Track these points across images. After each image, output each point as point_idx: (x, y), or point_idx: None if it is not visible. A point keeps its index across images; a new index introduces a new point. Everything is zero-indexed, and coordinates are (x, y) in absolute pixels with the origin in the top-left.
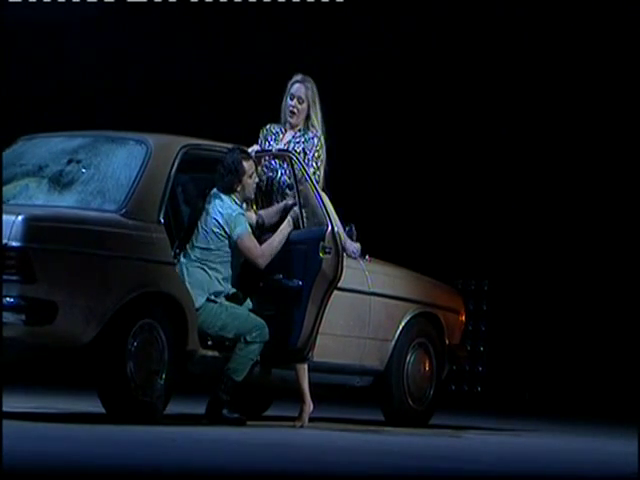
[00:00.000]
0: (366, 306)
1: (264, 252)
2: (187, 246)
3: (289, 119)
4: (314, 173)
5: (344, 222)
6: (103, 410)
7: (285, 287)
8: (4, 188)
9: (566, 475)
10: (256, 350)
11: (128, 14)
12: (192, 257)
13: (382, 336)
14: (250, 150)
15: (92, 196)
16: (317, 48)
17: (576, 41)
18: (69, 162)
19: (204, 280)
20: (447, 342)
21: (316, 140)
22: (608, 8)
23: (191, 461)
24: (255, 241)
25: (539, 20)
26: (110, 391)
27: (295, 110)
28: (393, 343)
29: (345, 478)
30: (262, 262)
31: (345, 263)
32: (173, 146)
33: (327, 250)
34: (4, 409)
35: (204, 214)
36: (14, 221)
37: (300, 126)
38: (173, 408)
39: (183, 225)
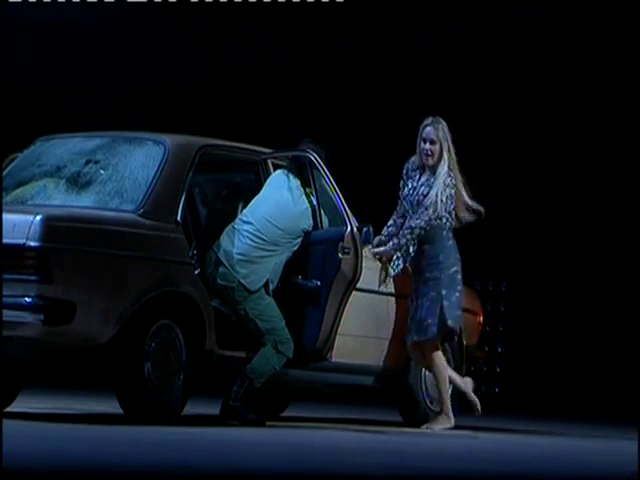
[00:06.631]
0: (384, 307)
1: None
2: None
3: (425, 162)
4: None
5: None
6: (121, 410)
7: (304, 287)
8: (22, 189)
9: (566, 475)
10: (281, 363)
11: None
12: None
13: (400, 336)
14: None
15: (110, 196)
16: (317, 48)
17: (577, 43)
18: (87, 163)
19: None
20: (465, 343)
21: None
22: (609, 9)
23: (208, 462)
24: None
25: (543, 22)
26: (128, 391)
27: (429, 152)
28: None
29: (362, 478)
30: None
31: (364, 264)
32: (191, 146)
33: (346, 250)
34: (22, 410)
35: None
36: (32, 221)
37: (435, 167)
38: (191, 409)
39: (200, 226)
